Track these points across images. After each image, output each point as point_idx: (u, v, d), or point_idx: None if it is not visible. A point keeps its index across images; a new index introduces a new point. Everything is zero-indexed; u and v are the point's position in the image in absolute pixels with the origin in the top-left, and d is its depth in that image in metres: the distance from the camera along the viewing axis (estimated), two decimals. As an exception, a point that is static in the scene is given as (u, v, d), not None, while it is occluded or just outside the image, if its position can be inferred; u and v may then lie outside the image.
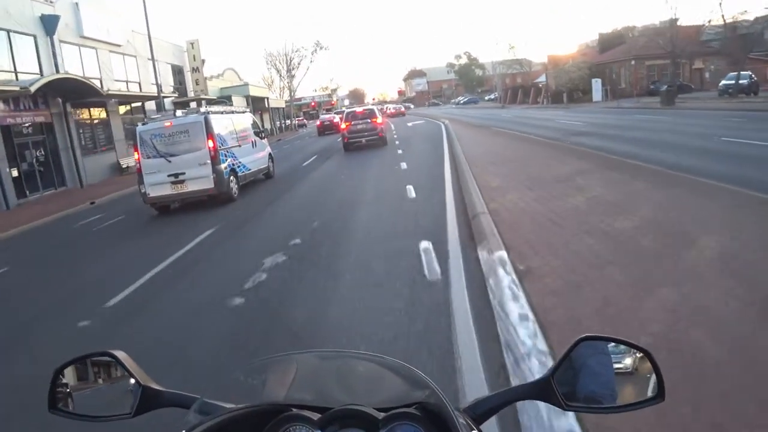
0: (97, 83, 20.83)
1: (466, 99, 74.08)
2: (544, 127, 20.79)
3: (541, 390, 0.91)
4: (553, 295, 3.39)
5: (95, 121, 22.41)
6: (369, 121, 20.83)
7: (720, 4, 29.64)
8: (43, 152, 18.78)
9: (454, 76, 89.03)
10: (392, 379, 1.01)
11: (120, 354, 1.00)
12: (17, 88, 15.98)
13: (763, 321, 2.80)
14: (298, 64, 56.53)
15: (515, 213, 5.95)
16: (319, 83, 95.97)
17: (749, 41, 30.23)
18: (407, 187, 9.58)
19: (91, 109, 22.04)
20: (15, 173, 16.87)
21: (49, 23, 19.04)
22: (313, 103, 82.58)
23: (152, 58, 22.13)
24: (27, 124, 17.84)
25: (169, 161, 10.63)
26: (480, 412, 0.94)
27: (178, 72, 31.99)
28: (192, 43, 32.95)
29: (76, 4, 21.03)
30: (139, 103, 25.73)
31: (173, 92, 29.68)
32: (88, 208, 14.74)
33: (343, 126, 21.60)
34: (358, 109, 22.79)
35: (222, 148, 11.11)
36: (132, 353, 1.01)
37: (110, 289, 5.72)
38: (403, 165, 13.22)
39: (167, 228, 9.70)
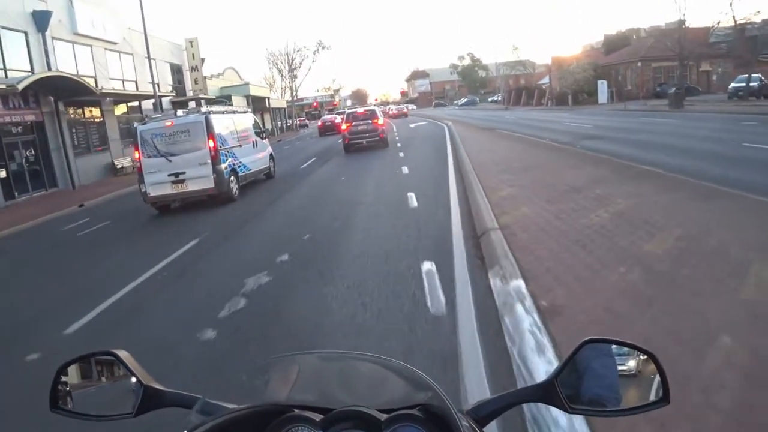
0: (91, 82, 20.26)
1: (464, 100, 74.17)
2: (551, 130, 20.13)
3: (545, 392, 0.89)
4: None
5: (89, 121, 21.82)
6: (370, 122, 20.39)
7: (731, 4, 28.80)
8: (33, 152, 18.21)
9: (457, 77, 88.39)
10: (395, 381, 1.00)
11: (122, 353, 0.99)
12: (4, 86, 15.39)
13: None
14: (300, 63, 55.95)
15: (530, 230, 5.23)
16: (321, 83, 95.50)
17: (758, 43, 29.55)
18: (408, 194, 8.88)
19: (85, 108, 21.46)
20: (3, 174, 16.31)
21: (40, 19, 18.45)
22: (315, 104, 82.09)
23: (148, 56, 21.54)
24: (16, 123, 17.26)
25: (170, 161, 10.57)
26: (483, 414, 0.92)
27: (176, 71, 31.40)
28: (191, 42, 32.35)
29: (70, 0, 20.45)
30: (136, 103, 25.15)
31: (171, 91, 29.10)
32: (76, 211, 14.15)
33: (343, 127, 21.14)
34: (359, 110, 22.25)
35: (222, 148, 11.05)
36: None
37: (74, 310, 5.10)
38: (405, 169, 12.58)
39: (152, 236, 9.08)
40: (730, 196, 5.94)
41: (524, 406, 1.83)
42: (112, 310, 5.08)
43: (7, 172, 16.58)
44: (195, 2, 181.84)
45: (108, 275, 6.53)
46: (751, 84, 27.84)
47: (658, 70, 41.95)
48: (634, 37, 49.59)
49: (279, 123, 53.09)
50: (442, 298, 3.99)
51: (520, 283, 3.67)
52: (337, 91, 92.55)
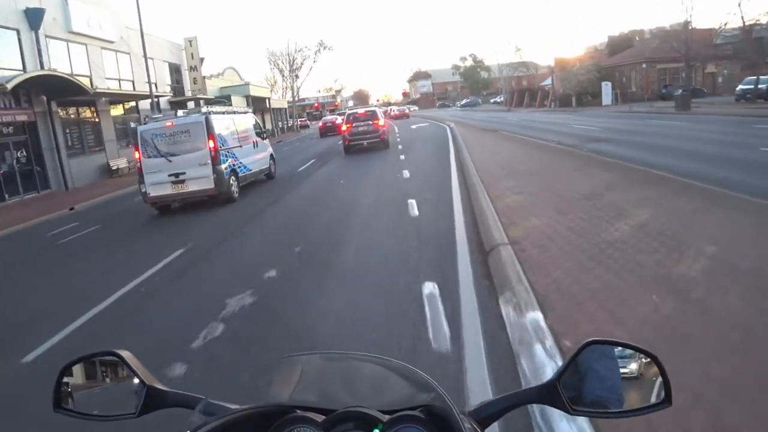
0: (86, 81, 19.80)
1: (464, 102, 74.26)
2: (557, 132, 19.63)
3: (547, 394, 0.89)
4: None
5: (84, 121, 21.37)
6: (371, 123, 20.02)
7: (739, 4, 28.22)
8: (24, 153, 17.77)
9: (459, 78, 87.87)
10: (397, 382, 1.00)
11: (125, 353, 0.98)
12: (-7, 85, 14.93)
13: None
14: (301, 63, 55.46)
15: (543, 245, 4.69)
16: (323, 84, 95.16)
17: (765, 44, 29.01)
18: (409, 201, 8.33)
19: (80, 108, 21.02)
20: (-7, 175, 15.88)
21: (33, 17, 18.00)
22: (316, 104, 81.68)
23: (144, 55, 21.07)
24: (8, 124, 16.81)
25: (170, 161, 10.55)
26: (485, 415, 0.92)
27: (175, 70, 30.94)
28: (190, 41, 31.90)
29: (65, -3, 20.00)
30: (134, 103, 24.69)
31: (169, 91, 28.64)
32: (66, 214, 13.70)
33: (344, 128, 20.74)
34: (360, 111, 21.83)
35: (223, 148, 11.03)
36: None
37: (38, 333, 4.62)
38: (406, 173, 12.07)
39: (136, 244, 8.52)
40: (759, 206, 5.43)
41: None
42: (76, 334, 4.57)
43: (-2, 174, 16.16)
44: (196, 2, 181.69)
45: (75, 294, 5.97)
46: (759, 86, 27.30)
47: (663, 72, 41.43)
48: (637, 38, 49.03)
49: (280, 124, 52.64)
50: (447, 330, 3.43)
51: (537, 316, 3.14)
52: (338, 91, 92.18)
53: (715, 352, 2.64)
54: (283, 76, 56.77)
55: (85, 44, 21.29)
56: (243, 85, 40.78)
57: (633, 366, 0.90)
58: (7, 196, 16.44)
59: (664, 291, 3.45)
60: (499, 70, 64.88)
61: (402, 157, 16.10)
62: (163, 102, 27.02)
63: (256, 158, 13.45)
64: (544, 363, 2.62)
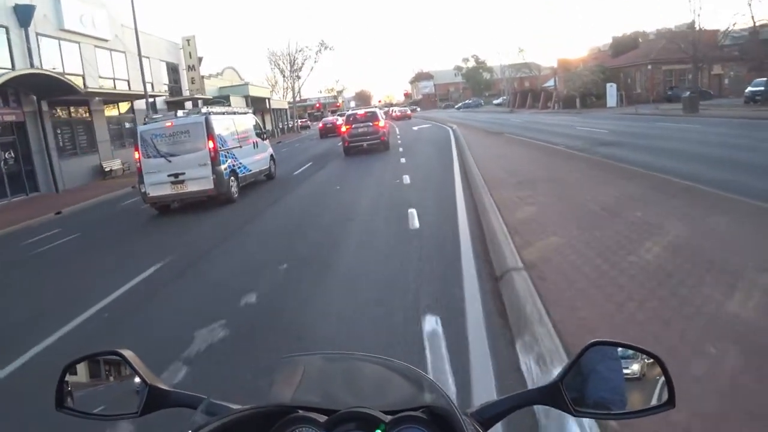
0: (78, 80, 19.22)
1: (462, 104, 74.42)
2: (563, 135, 18.98)
3: (550, 395, 0.89)
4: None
5: (76, 121, 20.78)
6: (371, 124, 19.50)
7: (749, 4, 27.60)
8: (13, 154, 17.19)
9: (461, 80, 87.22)
10: (399, 382, 0.99)
11: (127, 353, 0.98)
12: (-23, 84, 14.36)
13: None
14: (302, 63, 54.88)
15: (565, 272, 3.95)
16: (324, 84, 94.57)
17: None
18: (409, 211, 7.65)
19: (72, 108, 20.44)
20: (-22, 178, 15.30)
21: (23, 14, 17.44)
22: (318, 105, 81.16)
23: (139, 54, 20.47)
24: (-6, 124, 16.26)
25: (170, 161, 10.57)
26: (487, 416, 0.91)
27: (173, 70, 30.34)
28: (188, 40, 31.33)
29: (56, -7, 19.41)
30: (129, 103, 24.08)
31: (166, 91, 28.04)
32: (51, 219, 13.10)
33: (343, 129, 20.21)
34: (360, 112, 21.29)
35: (222, 149, 11.02)
36: None
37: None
38: (406, 179, 11.42)
39: (112, 256, 7.75)
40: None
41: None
42: (20, 373, 3.93)
43: (-16, 176, 15.58)
44: (196, 1, 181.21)
45: (31, 319, 5.25)
46: (769, 88, 26.65)
47: (668, 73, 40.77)
48: (640, 40, 48.35)
49: (280, 124, 52.04)
50: (452, 385, 2.75)
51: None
52: (340, 92, 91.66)
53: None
54: (284, 76, 56.26)
55: (78, 42, 20.71)
56: (242, 85, 40.19)
57: (636, 367, 0.89)
58: (-7, 198, 15.89)
59: (722, 340, 2.79)
60: (502, 71, 64.26)
61: (403, 160, 15.46)
62: (160, 102, 26.45)
63: (256, 159, 13.40)
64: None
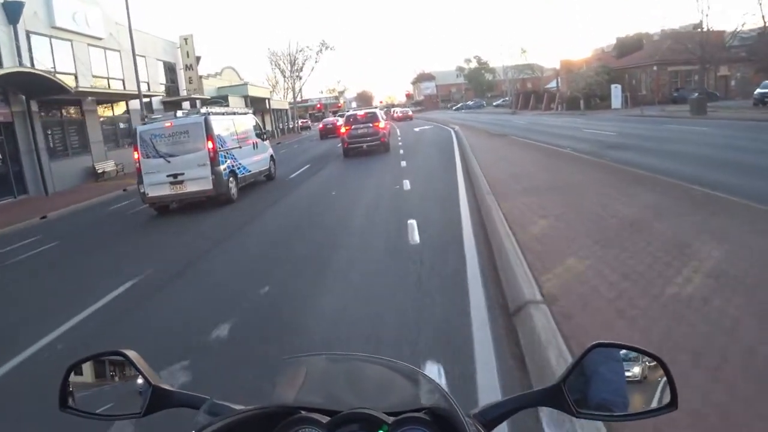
0: (70, 79, 18.66)
1: (460, 105, 74.37)
2: (568, 137, 18.38)
3: (552, 396, 0.88)
4: None
5: (68, 122, 20.21)
6: (371, 125, 19.01)
7: (759, 3, 26.94)
8: (0, 156, 16.60)
9: (463, 80, 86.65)
10: (402, 384, 0.98)
11: (131, 353, 0.98)
12: (-40, 83, 13.79)
13: None
14: (303, 63, 54.33)
15: (592, 306, 3.30)
16: (326, 85, 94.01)
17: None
18: (409, 222, 7.01)
19: (63, 108, 19.87)
20: (-37, 180, 14.74)
21: (11, 11, 16.87)
22: (319, 105, 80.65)
23: (133, 52, 19.94)
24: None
25: (169, 161, 10.53)
26: (490, 418, 0.90)
27: (170, 69, 29.78)
28: (186, 39, 30.74)
29: (47, -10, 18.84)
30: (125, 103, 23.50)
31: (163, 91, 27.48)
32: (35, 223, 12.54)
33: (342, 130, 19.68)
34: (360, 112, 20.76)
35: (222, 149, 10.98)
36: None
37: None
38: (407, 183, 10.80)
39: (86, 269, 7.15)
40: None
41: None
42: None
43: (-31, 178, 15.02)
44: (195, 1, 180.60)
45: None
46: (779, 90, 26.05)
47: (674, 75, 40.13)
48: (644, 41, 47.73)
49: (281, 125, 51.47)
50: None
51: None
52: (341, 92, 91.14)
53: None
54: (284, 76, 55.73)
55: (71, 40, 20.14)
56: (241, 85, 39.62)
57: (638, 369, 0.88)
58: (-22, 201, 15.32)
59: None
60: (504, 72, 63.68)
61: (403, 163, 14.84)
62: (156, 102, 25.89)
63: (256, 159, 13.33)
64: None
